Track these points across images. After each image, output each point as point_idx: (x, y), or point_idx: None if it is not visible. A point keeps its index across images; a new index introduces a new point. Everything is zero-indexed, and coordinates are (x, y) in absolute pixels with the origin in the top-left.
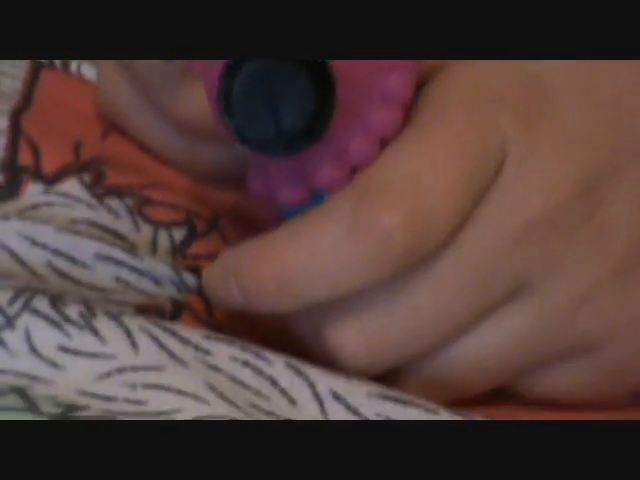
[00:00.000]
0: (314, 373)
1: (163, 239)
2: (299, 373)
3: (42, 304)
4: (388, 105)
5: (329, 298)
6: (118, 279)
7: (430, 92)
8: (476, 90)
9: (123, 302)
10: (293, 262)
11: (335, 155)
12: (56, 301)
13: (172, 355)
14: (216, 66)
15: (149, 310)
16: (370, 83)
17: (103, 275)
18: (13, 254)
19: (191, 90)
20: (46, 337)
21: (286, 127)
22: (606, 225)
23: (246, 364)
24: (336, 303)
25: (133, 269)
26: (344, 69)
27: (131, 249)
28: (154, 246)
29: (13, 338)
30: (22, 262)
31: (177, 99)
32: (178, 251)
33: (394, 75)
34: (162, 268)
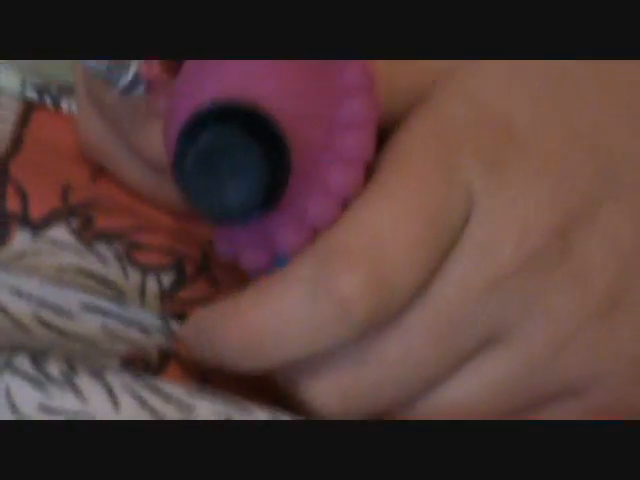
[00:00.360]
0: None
1: (152, 284)
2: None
3: (23, 362)
4: (347, 164)
5: (295, 359)
6: (105, 329)
7: (392, 145)
8: (439, 139)
9: (109, 353)
10: (259, 326)
11: (295, 218)
12: (37, 358)
13: (154, 413)
14: (173, 125)
15: (136, 360)
16: (327, 143)
17: (89, 325)
18: None
19: (155, 127)
20: (27, 396)
21: (240, 198)
22: (582, 266)
23: (229, 419)
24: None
25: (120, 318)
26: (300, 130)
27: (118, 296)
28: (142, 292)
29: None
30: (7, 314)
31: (142, 135)
32: (167, 296)
33: (351, 133)
34: (149, 316)
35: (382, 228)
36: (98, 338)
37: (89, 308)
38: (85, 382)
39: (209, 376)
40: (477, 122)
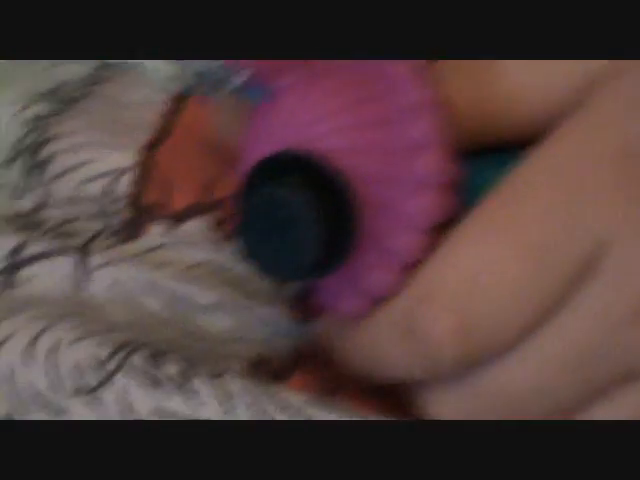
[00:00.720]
0: None
1: (285, 286)
2: None
3: (141, 361)
4: (425, 191)
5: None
6: (232, 328)
7: (518, 168)
8: (563, 176)
9: (236, 354)
10: (358, 359)
11: (382, 257)
12: (156, 357)
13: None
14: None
15: (262, 362)
16: (400, 171)
17: (216, 323)
18: (127, 300)
19: None
20: (143, 396)
21: (295, 259)
22: None
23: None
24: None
25: (248, 318)
26: (366, 166)
27: (250, 295)
28: (275, 292)
29: (110, 396)
30: (135, 308)
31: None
32: (299, 299)
33: (421, 155)
34: (280, 317)
35: (480, 270)
36: (224, 337)
37: (218, 306)
38: (203, 384)
39: (336, 384)
40: (608, 154)
